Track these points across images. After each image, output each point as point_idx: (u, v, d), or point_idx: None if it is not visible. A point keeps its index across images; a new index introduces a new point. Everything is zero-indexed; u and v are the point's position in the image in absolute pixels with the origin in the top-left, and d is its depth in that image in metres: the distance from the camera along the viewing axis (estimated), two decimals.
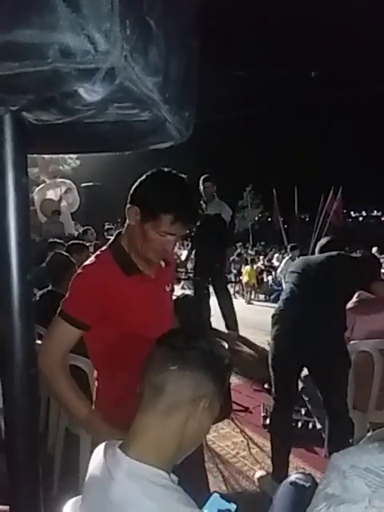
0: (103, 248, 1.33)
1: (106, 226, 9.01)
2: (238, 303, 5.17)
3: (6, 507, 0.69)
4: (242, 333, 4.86)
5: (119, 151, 0.76)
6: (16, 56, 0.44)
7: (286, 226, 23.18)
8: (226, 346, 1.01)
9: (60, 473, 2.09)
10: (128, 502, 0.73)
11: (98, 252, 1.32)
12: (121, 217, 1.27)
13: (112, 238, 1.36)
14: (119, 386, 1.25)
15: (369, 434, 2.10)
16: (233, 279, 12.11)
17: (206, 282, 4.63)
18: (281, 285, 11.18)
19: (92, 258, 1.29)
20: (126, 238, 1.29)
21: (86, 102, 0.48)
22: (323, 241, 2.46)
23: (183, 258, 6.33)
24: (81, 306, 1.21)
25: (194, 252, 5.03)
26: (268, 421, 2.79)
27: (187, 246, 14.81)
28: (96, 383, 1.37)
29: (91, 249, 4.06)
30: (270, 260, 15.26)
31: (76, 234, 7.53)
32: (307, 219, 31.32)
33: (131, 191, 1.22)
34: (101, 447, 0.87)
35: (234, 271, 12.86)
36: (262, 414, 2.92)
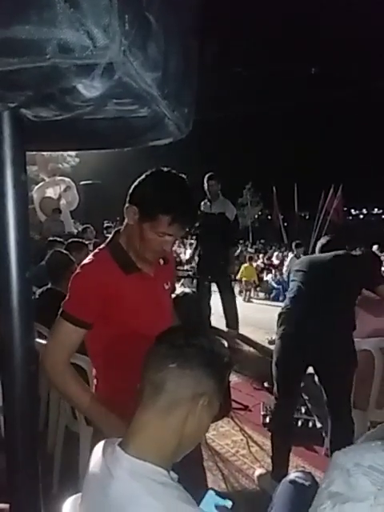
0: (101, 246, 1.33)
1: (106, 224, 9.00)
2: (237, 301, 5.18)
3: (6, 505, 0.69)
4: (241, 331, 4.86)
5: (118, 148, 0.76)
6: (14, 52, 0.43)
7: (285, 224, 23.20)
8: (226, 344, 1.01)
9: (60, 471, 2.09)
10: (127, 499, 0.73)
11: (96, 250, 1.32)
12: (120, 215, 1.26)
13: (110, 235, 1.35)
14: (118, 383, 1.25)
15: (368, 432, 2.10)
16: (233, 277, 12.10)
17: (208, 280, 4.63)
18: (280, 283, 11.20)
19: (90, 257, 1.29)
20: (124, 237, 1.29)
21: (85, 98, 0.47)
22: (323, 240, 2.46)
23: (183, 256, 6.33)
24: (81, 305, 1.21)
25: (198, 251, 5.01)
26: (268, 419, 2.80)
27: (191, 244, 14.85)
28: (95, 381, 1.37)
29: (90, 247, 4.05)
30: (269, 258, 15.26)
31: (75, 232, 7.53)
32: (307, 217, 31.30)
33: (130, 191, 1.22)
34: (100, 445, 0.87)
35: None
36: (262, 413, 2.92)
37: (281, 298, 10.32)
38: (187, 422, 0.83)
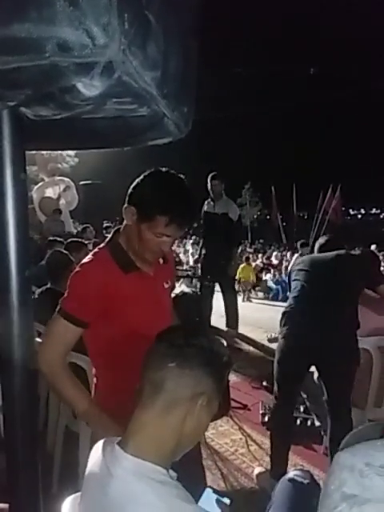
0: (101, 246, 1.33)
1: (105, 224, 9.01)
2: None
3: (6, 505, 0.69)
4: (240, 330, 4.86)
5: (118, 147, 0.76)
6: (14, 50, 0.43)
7: (284, 224, 23.23)
8: (225, 343, 1.01)
9: (59, 470, 2.09)
10: (127, 498, 0.73)
11: (95, 250, 1.32)
12: (119, 214, 1.26)
13: (110, 235, 1.35)
14: (118, 383, 1.25)
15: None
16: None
17: (209, 280, 4.62)
18: (279, 283, 11.20)
19: (90, 256, 1.28)
20: (124, 236, 1.29)
21: (85, 97, 0.47)
22: (322, 240, 2.46)
23: (182, 256, 6.34)
24: (79, 304, 1.21)
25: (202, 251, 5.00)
26: (267, 418, 2.80)
27: (194, 244, 14.88)
28: (95, 380, 1.38)
29: (90, 247, 4.05)
30: (268, 258, 15.26)
31: (75, 231, 7.53)
32: (306, 217, 31.34)
33: (129, 191, 1.22)
34: (99, 444, 0.87)
35: None
36: (261, 412, 2.92)
37: (280, 298, 10.33)
38: (186, 421, 0.83)
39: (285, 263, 13.19)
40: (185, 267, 10.81)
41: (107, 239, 1.34)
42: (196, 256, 10.68)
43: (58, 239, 4.30)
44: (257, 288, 11.75)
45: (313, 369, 2.28)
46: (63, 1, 0.41)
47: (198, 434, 0.89)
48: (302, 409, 2.76)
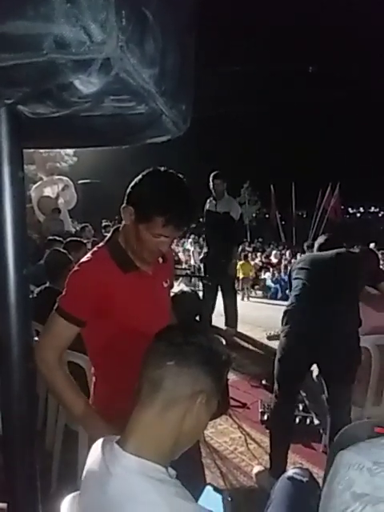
0: (100, 245, 1.33)
1: (104, 223, 9.00)
2: None
3: (4, 504, 0.69)
4: (239, 329, 4.87)
5: (116, 145, 0.76)
6: (11, 48, 0.43)
7: (283, 223, 23.25)
8: (224, 342, 1.01)
9: (58, 469, 2.09)
10: (126, 496, 0.73)
11: (94, 249, 1.32)
12: (118, 214, 1.26)
13: (109, 234, 1.35)
14: (117, 381, 1.25)
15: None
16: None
17: (210, 279, 4.62)
18: (278, 281, 11.22)
19: (89, 255, 1.28)
20: (123, 235, 1.29)
21: (82, 94, 0.47)
22: (321, 239, 2.46)
23: (181, 254, 6.34)
24: (77, 303, 1.21)
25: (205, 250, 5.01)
26: (267, 417, 2.81)
27: (192, 242, 14.89)
28: (94, 379, 1.37)
29: (89, 246, 4.05)
30: (267, 256, 15.27)
31: (73, 231, 7.52)
32: (304, 216, 31.36)
33: (128, 190, 1.21)
34: (99, 443, 0.87)
35: None
36: (260, 410, 2.93)
37: (279, 297, 10.35)
38: (185, 420, 0.83)
39: (284, 262, 13.21)
40: (184, 266, 10.82)
41: (106, 238, 1.34)
42: (198, 255, 10.71)
43: (57, 238, 4.30)
44: (256, 287, 11.76)
45: (312, 367, 2.29)
46: None
47: (196, 432, 0.90)
48: (301, 407, 2.77)
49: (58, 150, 10.41)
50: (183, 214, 1.18)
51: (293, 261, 11.77)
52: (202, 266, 5.29)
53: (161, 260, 1.35)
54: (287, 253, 14.93)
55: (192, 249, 13.67)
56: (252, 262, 12.69)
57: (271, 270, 12.57)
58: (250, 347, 4.58)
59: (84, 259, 1.27)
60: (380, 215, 50.42)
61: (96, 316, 1.23)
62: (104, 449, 0.83)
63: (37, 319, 2.17)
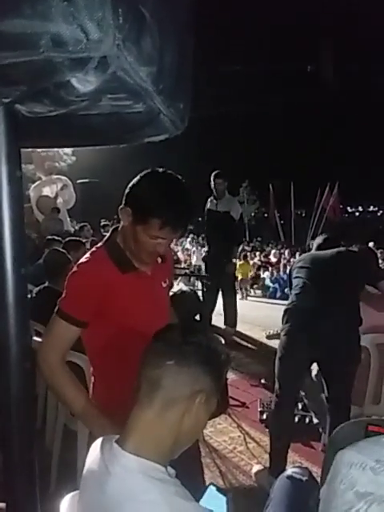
0: (99, 245, 1.32)
1: (103, 223, 8.98)
2: None
3: (3, 504, 0.68)
4: (238, 328, 4.87)
5: (114, 144, 0.76)
6: (8, 46, 0.43)
7: (282, 222, 23.26)
8: (223, 341, 1.01)
9: (58, 468, 2.09)
10: (125, 496, 0.73)
11: (93, 249, 1.31)
12: (117, 213, 1.26)
13: (108, 234, 1.35)
14: (116, 381, 1.25)
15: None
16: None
17: (210, 278, 4.63)
18: (277, 281, 11.22)
19: (87, 256, 1.28)
20: (121, 235, 1.29)
21: (79, 93, 0.47)
22: (319, 240, 2.47)
23: (180, 253, 6.35)
24: (77, 304, 1.21)
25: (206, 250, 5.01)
26: (266, 416, 2.81)
27: (191, 242, 14.88)
28: (93, 379, 1.37)
29: (87, 245, 4.04)
30: (266, 256, 15.27)
31: (72, 230, 7.50)
32: (303, 215, 31.37)
33: (126, 191, 1.21)
34: (98, 442, 0.87)
35: None
36: (259, 409, 2.93)
37: (278, 296, 10.35)
38: (184, 419, 0.83)
39: (283, 261, 13.21)
40: (183, 265, 10.82)
41: (105, 238, 1.33)
42: (199, 254, 10.70)
43: (56, 238, 4.29)
44: (254, 286, 11.76)
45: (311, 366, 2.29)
46: None
47: (196, 431, 0.90)
48: (300, 406, 2.77)
49: (56, 150, 10.40)
50: (180, 217, 1.17)
51: (292, 260, 11.80)
52: (203, 265, 5.29)
53: (160, 260, 1.35)
54: (286, 252, 14.93)
55: (192, 248, 13.67)
56: (251, 262, 12.70)
57: (270, 269, 12.57)
58: (249, 346, 4.58)
59: (82, 260, 1.27)
60: (379, 214, 50.47)
61: (96, 316, 1.23)
62: (103, 448, 0.83)
63: (36, 319, 2.17)
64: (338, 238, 2.65)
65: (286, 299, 2.43)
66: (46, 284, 2.69)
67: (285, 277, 9.82)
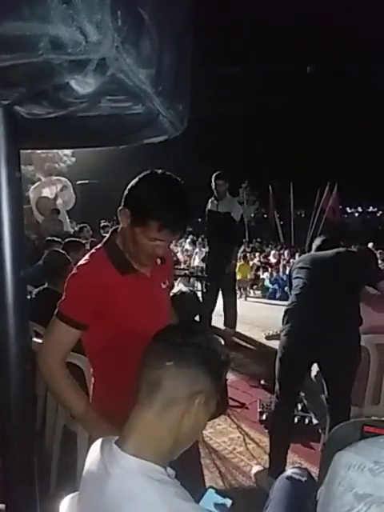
0: (98, 246, 1.32)
1: (102, 224, 8.99)
2: None
3: (2, 505, 0.68)
4: (238, 329, 4.87)
5: (113, 145, 0.76)
6: (6, 48, 0.43)
7: (281, 223, 23.26)
8: (223, 342, 1.01)
9: (57, 469, 2.09)
10: (124, 497, 0.73)
11: (92, 251, 1.31)
12: (116, 214, 1.26)
13: (107, 235, 1.35)
14: (116, 382, 1.25)
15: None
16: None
17: (210, 279, 4.63)
18: (277, 281, 11.21)
19: (86, 257, 1.28)
20: (120, 237, 1.29)
21: (78, 95, 0.47)
22: (318, 241, 2.47)
23: (180, 254, 6.34)
24: (77, 307, 1.21)
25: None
26: (265, 417, 2.81)
27: (191, 242, 14.87)
28: (93, 380, 1.37)
29: (87, 246, 4.04)
30: (266, 256, 15.26)
31: (72, 231, 7.50)
32: (303, 215, 31.37)
33: (125, 193, 1.21)
34: (97, 443, 0.87)
35: None
36: (259, 410, 2.93)
37: (277, 297, 10.34)
38: (184, 420, 0.83)
39: (282, 262, 13.20)
40: (182, 266, 10.81)
41: (104, 240, 1.33)
42: (200, 254, 10.70)
43: (56, 239, 4.29)
44: (254, 287, 11.75)
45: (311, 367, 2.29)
46: None
47: (195, 432, 0.90)
48: (299, 407, 2.77)
49: (55, 151, 10.40)
50: (179, 219, 1.16)
51: (291, 261, 11.80)
52: (204, 265, 5.30)
53: (159, 261, 1.35)
54: (286, 253, 14.92)
55: (192, 249, 13.65)
56: (250, 262, 12.68)
57: (269, 269, 12.56)
58: (249, 347, 4.59)
59: (82, 262, 1.27)
60: (378, 215, 50.52)
61: (95, 318, 1.23)
62: (103, 449, 0.83)
63: (36, 320, 2.17)
64: (338, 238, 2.65)
65: (286, 300, 2.43)
66: (46, 285, 2.69)
67: (284, 277, 9.81)
